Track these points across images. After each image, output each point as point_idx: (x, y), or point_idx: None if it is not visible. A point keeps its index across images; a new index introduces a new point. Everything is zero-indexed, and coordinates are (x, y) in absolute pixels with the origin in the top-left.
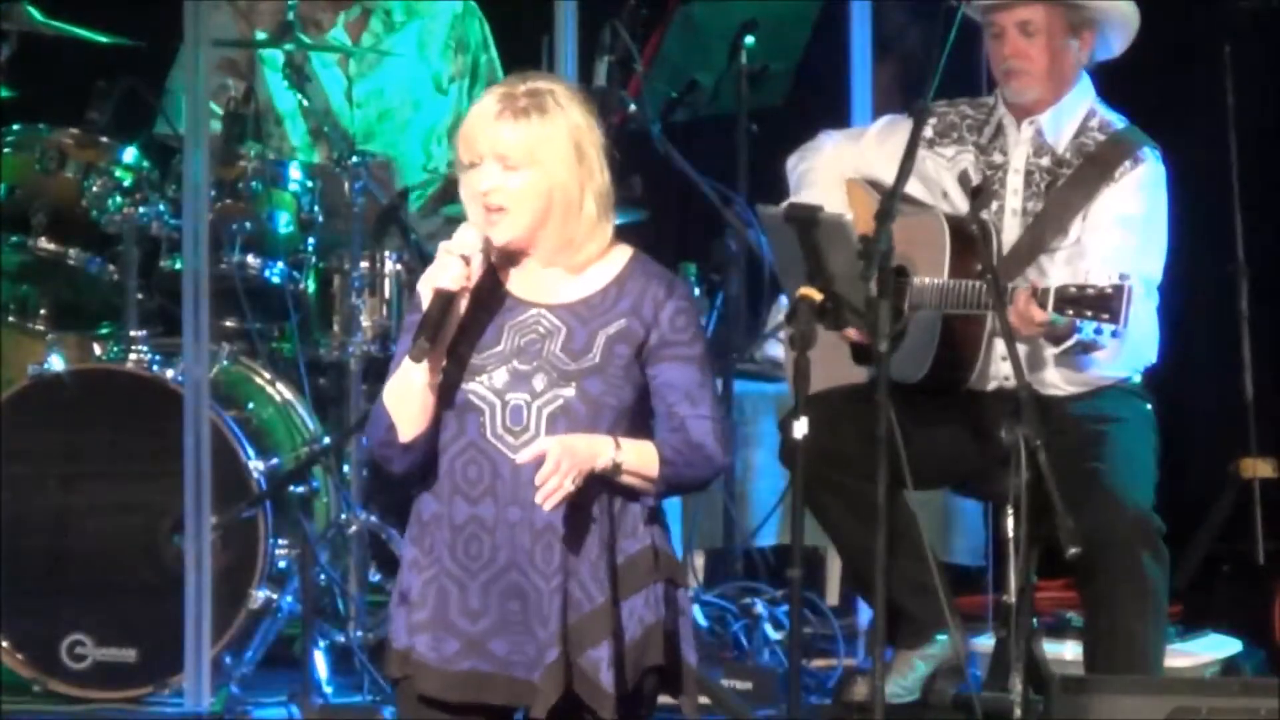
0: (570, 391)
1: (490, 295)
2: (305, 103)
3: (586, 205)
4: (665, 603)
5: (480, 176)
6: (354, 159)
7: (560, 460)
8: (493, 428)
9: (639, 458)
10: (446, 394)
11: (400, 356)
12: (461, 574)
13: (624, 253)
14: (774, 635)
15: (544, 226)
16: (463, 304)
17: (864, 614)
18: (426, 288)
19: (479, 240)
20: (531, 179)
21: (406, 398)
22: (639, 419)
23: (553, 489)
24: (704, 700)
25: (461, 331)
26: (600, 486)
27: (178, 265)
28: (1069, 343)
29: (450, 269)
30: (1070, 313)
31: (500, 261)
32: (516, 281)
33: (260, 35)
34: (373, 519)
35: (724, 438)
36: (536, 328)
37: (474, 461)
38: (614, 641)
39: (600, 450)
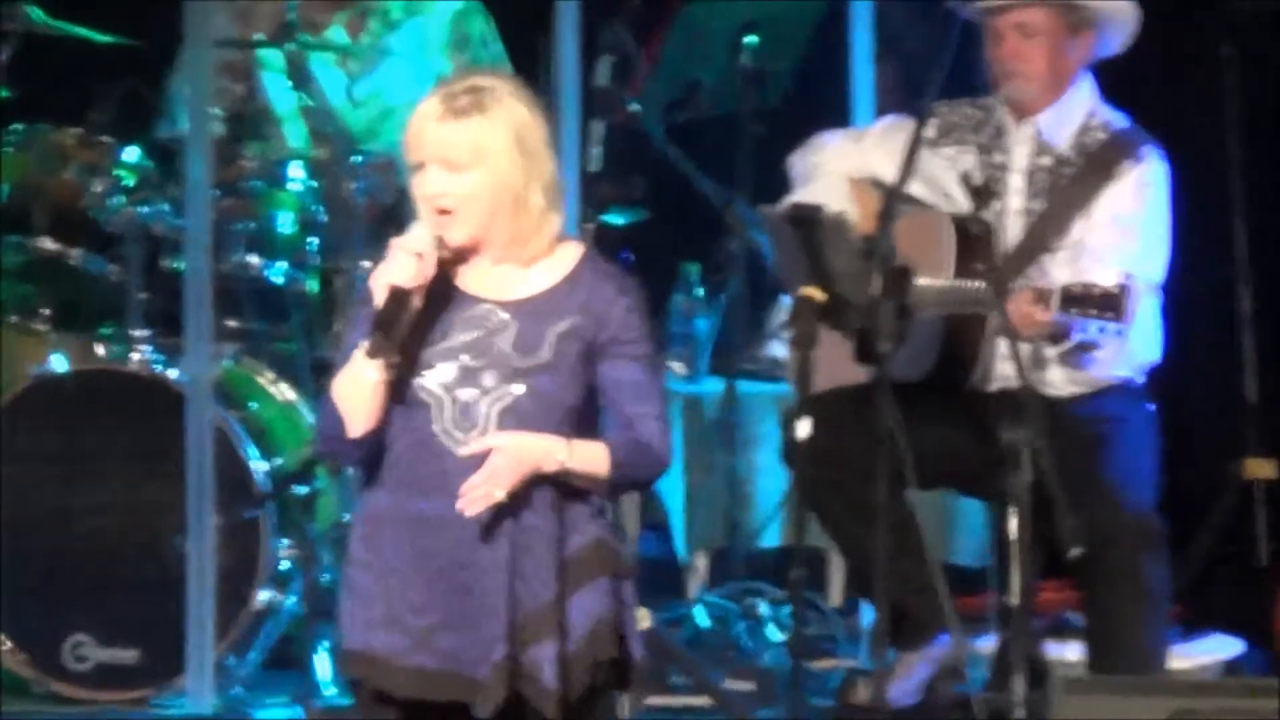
0: (520, 389)
1: (441, 290)
2: (309, 103)
3: (534, 199)
4: (613, 596)
5: (427, 180)
6: (355, 158)
7: (498, 470)
8: (441, 423)
9: (588, 458)
10: (396, 389)
11: (349, 351)
12: (409, 569)
13: (575, 250)
14: (777, 636)
15: (494, 224)
16: (416, 300)
17: (867, 615)
18: (379, 284)
19: (432, 237)
20: (477, 179)
21: (357, 394)
22: (588, 417)
23: (477, 497)
24: (704, 701)
25: (412, 327)
26: (548, 483)
27: (180, 265)
28: (1068, 343)
29: (404, 266)
30: (1075, 312)
31: (452, 257)
32: (467, 277)
33: (259, 36)
34: None
35: (669, 437)
36: (486, 323)
37: (422, 457)
38: (559, 638)
39: (551, 451)
